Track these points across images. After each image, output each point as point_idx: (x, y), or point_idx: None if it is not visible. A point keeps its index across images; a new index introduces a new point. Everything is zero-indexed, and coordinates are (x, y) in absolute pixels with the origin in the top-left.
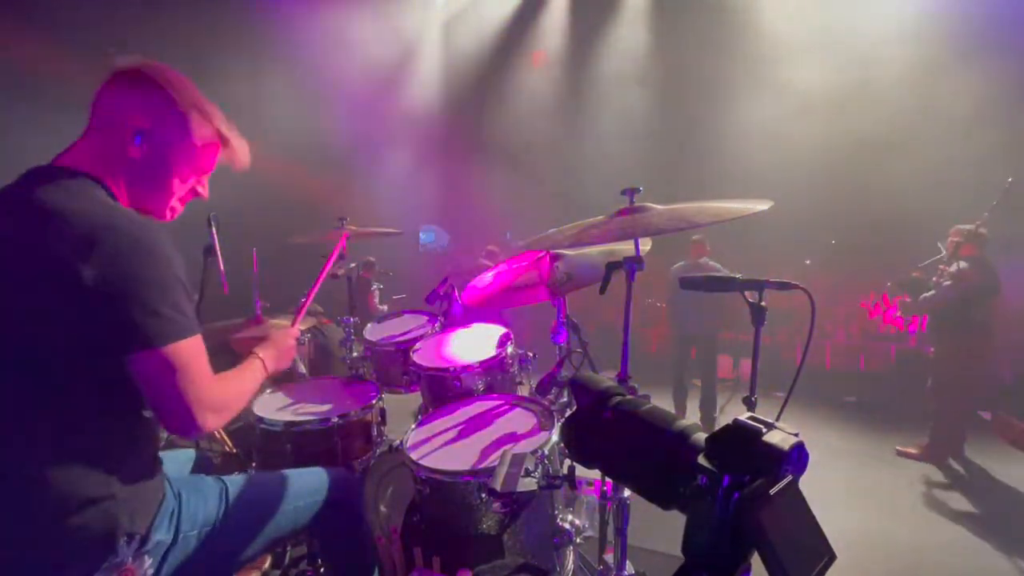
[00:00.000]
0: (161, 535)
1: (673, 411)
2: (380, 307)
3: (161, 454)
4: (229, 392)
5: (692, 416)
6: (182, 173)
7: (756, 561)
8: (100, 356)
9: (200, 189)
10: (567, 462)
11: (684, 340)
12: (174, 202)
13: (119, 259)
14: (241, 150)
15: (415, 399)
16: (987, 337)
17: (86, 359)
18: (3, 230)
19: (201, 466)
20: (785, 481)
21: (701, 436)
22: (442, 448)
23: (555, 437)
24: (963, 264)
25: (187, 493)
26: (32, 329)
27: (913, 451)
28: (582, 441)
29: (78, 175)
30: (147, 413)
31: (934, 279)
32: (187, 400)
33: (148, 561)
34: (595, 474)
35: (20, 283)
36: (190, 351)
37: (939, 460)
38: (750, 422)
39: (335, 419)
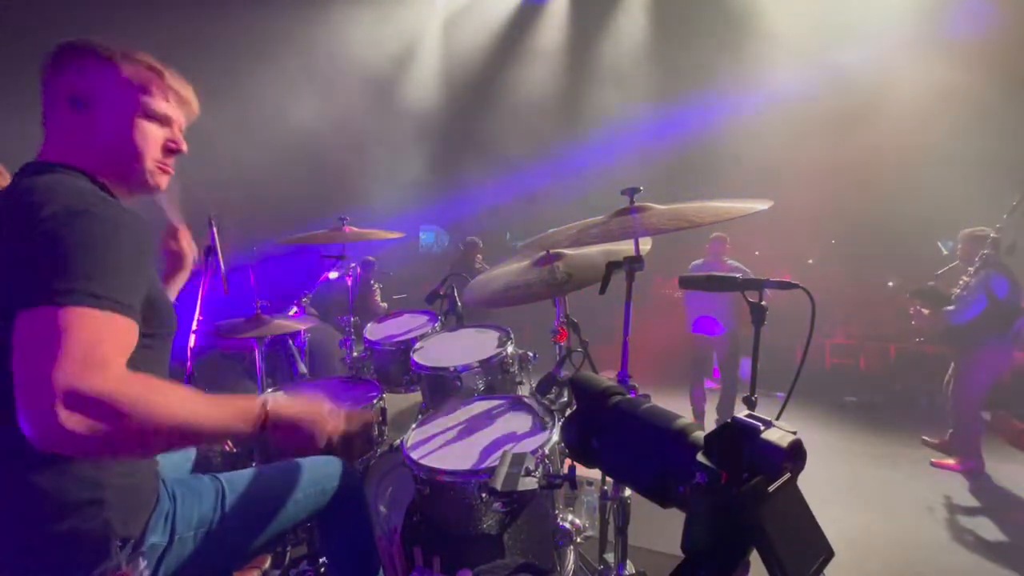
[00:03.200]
0: (156, 538)
1: (690, 415)
2: (382, 304)
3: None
4: (131, 392)
5: (710, 419)
6: (138, 125)
7: (755, 558)
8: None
9: (172, 143)
10: (567, 462)
11: (702, 340)
12: (151, 164)
13: (58, 223)
14: (184, 87)
15: (415, 399)
16: (1010, 346)
17: None
18: None
19: (202, 465)
20: (784, 479)
21: (700, 435)
22: (442, 448)
23: (555, 437)
24: (986, 275)
25: (182, 493)
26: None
27: (949, 462)
28: (582, 441)
29: (55, 167)
30: None
31: (955, 291)
32: (45, 373)
33: (143, 564)
34: (595, 474)
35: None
36: (87, 321)
37: (979, 471)
38: (749, 420)
39: None
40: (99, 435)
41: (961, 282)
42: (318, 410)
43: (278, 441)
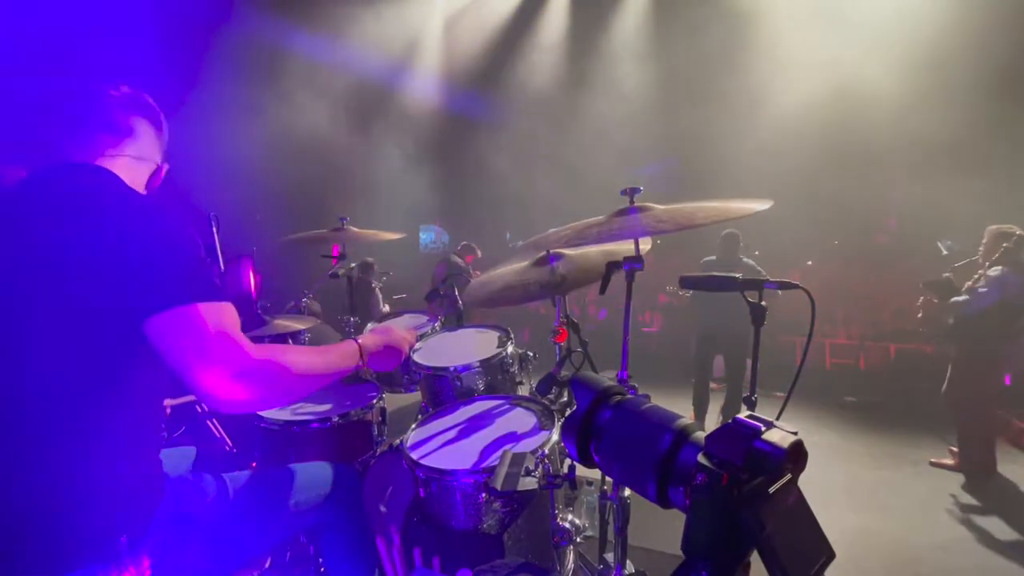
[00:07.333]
0: (159, 535)
1: (691, 417)
2: (384, 305)
3: (162, 452)
4: (275, 356)
5: (711, 420)
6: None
7: (756, 559)
8: (120, 327)
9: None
10: (567, 462)
11: (708, 341)
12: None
13: (147, 234)
14: None
15: (415, 399)
16: (1009, 344)
17: (105, 339)
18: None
19: (202, 464)
20: (784, 479)
21: (701, 435)
22: (442, 448)
23: (555, 437)
24: (1004, 270)
25: (185, 492)
26: (49, 319)
27: (948, 462)
28: (582, 441)
29: (97, 168)
30: (149, 409)
31: (967, 284)
32: (213, 360)
33: (147, 561)
34: (595, 474)
35: (43, 270)
36: (215, 312)
37: (976, 469)
38: (750, 420)
39: (335, 419)
40: (264, 395)
41: (976, 275)
42: (396, 334)
43: (376, 365)
